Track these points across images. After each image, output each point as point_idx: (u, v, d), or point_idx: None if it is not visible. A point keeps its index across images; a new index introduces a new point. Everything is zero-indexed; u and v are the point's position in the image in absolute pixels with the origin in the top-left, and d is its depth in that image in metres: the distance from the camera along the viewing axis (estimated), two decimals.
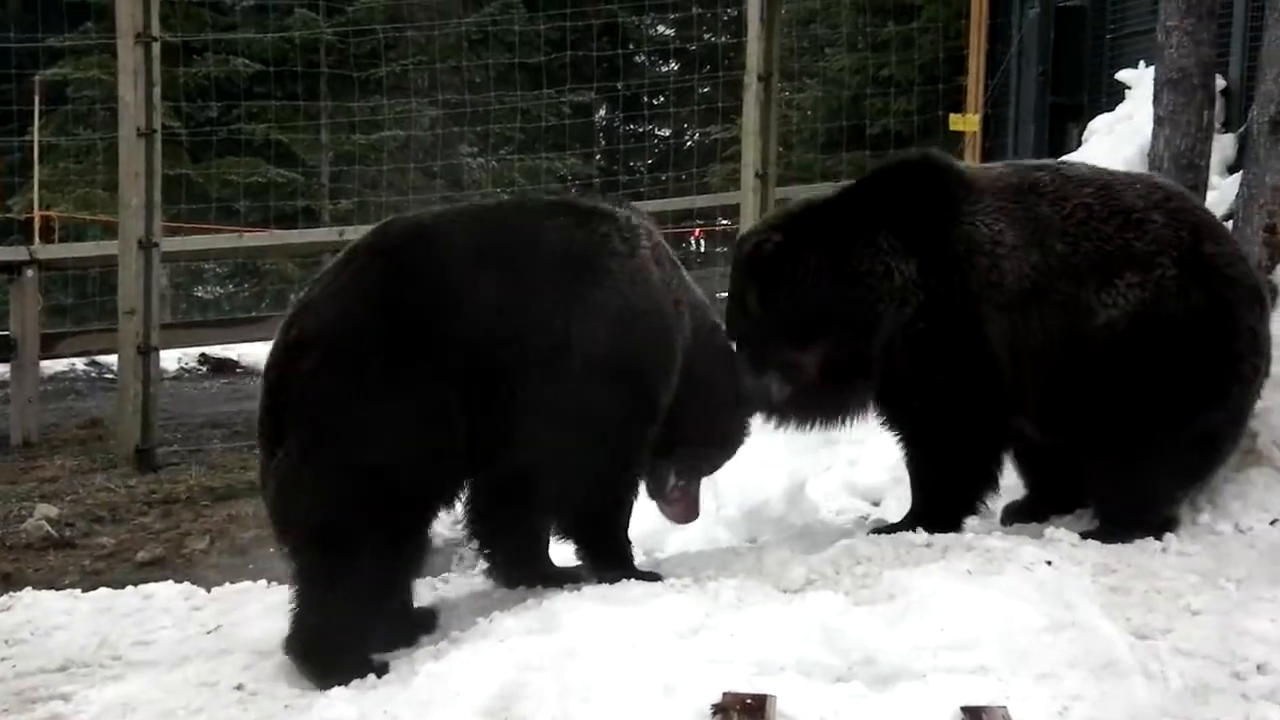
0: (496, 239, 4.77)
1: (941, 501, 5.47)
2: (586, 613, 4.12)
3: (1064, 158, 9.28)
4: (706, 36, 23.11)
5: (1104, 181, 5.41)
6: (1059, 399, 5.24)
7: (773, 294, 5.41)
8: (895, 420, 5.56)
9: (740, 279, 5.48)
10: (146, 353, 9.28)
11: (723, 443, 5.32)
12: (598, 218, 4.93)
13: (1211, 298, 5.15)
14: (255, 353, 15.63)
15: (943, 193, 5.40)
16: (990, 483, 5.53)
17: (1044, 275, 5.21)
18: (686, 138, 26.78)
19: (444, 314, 4.49)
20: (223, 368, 15.76)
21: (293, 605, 4.49)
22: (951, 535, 5.02)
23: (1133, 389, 5.09)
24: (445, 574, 5.74)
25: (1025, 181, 5.41)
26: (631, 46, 25.66)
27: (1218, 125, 7.93)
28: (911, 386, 5.36)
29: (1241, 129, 8.33)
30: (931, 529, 5.10)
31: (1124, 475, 5.18)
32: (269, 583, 5.76)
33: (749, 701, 3.49)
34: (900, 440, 5.57)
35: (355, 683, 4.28)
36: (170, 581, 5.77)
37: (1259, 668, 3.91)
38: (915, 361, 5.31)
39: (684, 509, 5.28)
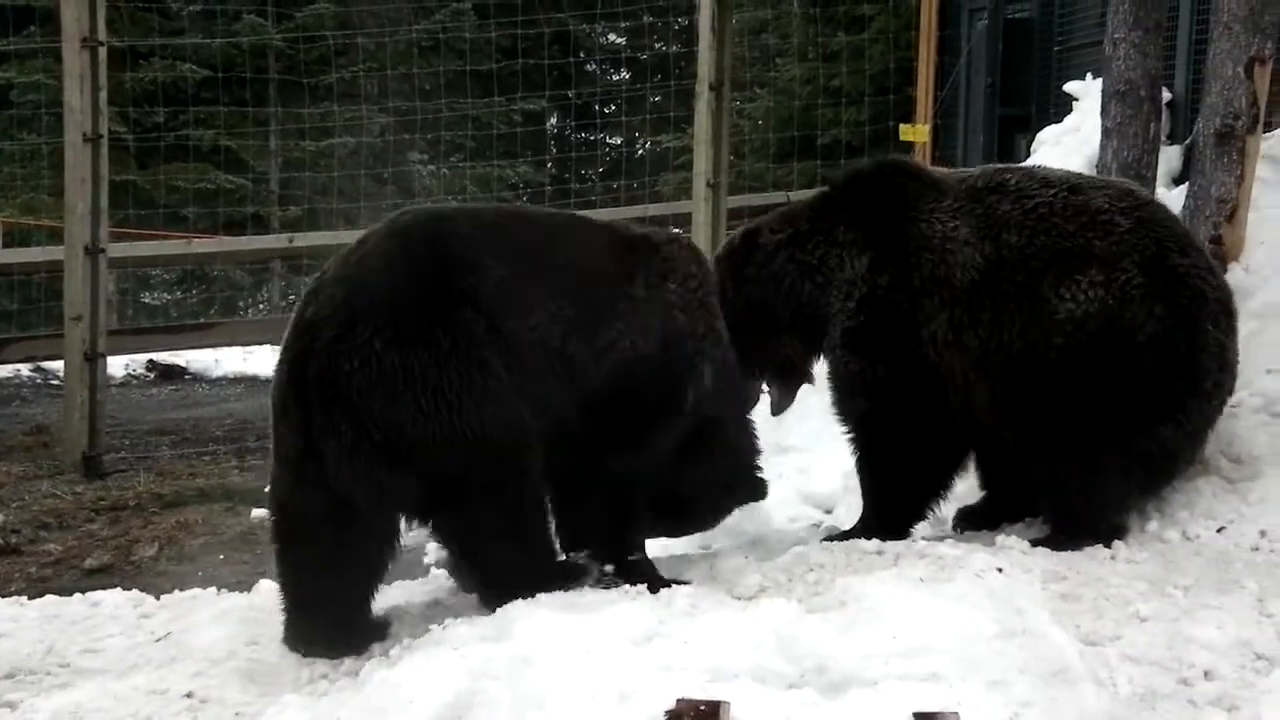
0: (525, 237, 4.83)
1: (889, 508, 5.51)
2: (540, 620, 4.11)
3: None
4: (658, 46, 23.15)
5: (1073, 184, 5.44)
6: (1018, 396, 5.24)
7: (742, 276, 5.60)
8: (844, 420, 5.61)
9: (719, 273, 5.56)
10: (93, 359, 9.23)
11: (700, 509, 5.38)
12: (633, 252, 4.98)
13: (1174, 310, 5.14)
14: (203, 359, 15.55)
15: (901, 193, 5.50)
16: (938, 488, 5.56)
17: (994, 266, 5.25)
18: (638, 146, 26.83)
19: (467, 295, 4.55)
20: (170, 374, 15.62)
21: (475, 566, 4.77)
22: (903, 543, 5.06)
23: (1090, 396, 5.11)
24: (398, 581, 5.70)
25: (991, 182, 5.47)
26: (583, 55, 25.62)
27: (1164, 137, 8.01)
28: (856, 383, 5.42)
29: (1187, 141, 8.41)
30: (879, 537, 5.13)
31: (1075, 482, 5.20)
32: (219, 590, 5.72)
33: (703, 708, 3.49)
34: (850, 444, 5.62)
35: (307, 689, 4.28)
36: (118, 589, 5.72)
37: (1206, 674, 3.96)
38: (857, 355, 5.39)
39: None
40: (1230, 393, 5.43)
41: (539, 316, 4.63)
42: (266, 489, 8.07)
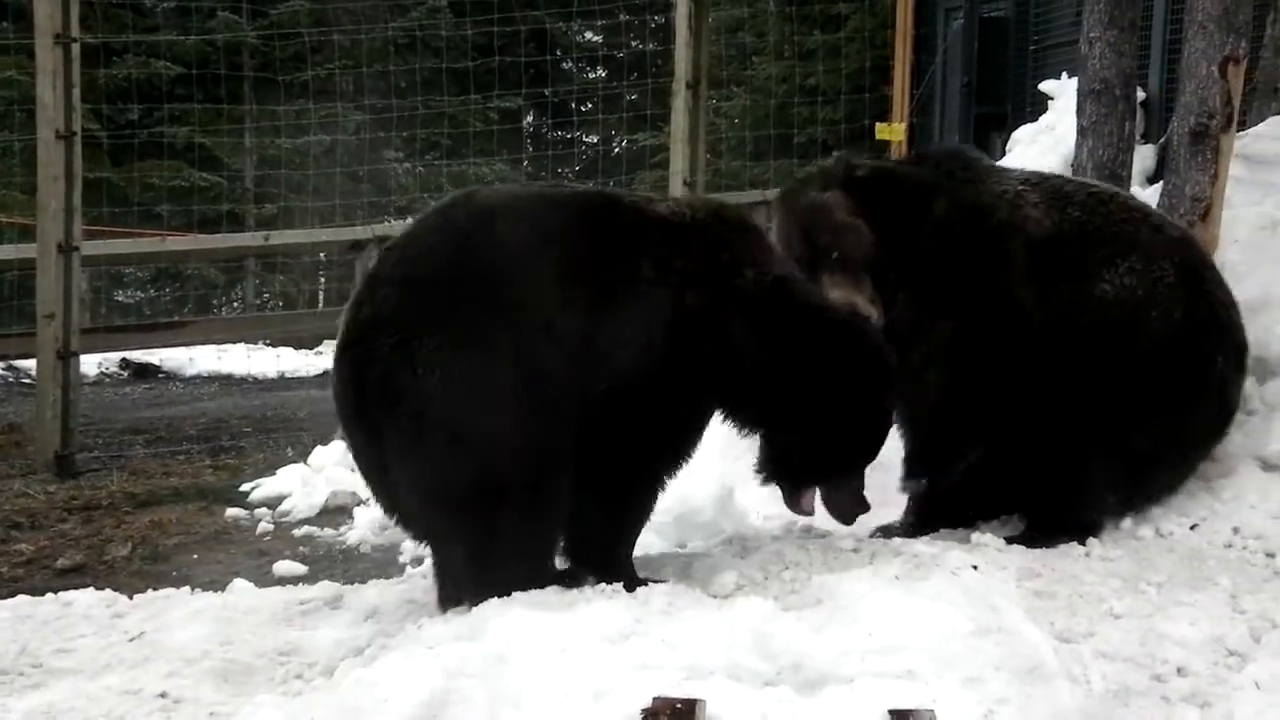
0: (564, 227, 4.74)
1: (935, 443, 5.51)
2: (516, 619, 4.09)
3: None
4: (634, 44, 23.16)
5: (1132, 196, 5.90)
6: (1045, 366, 5.26)
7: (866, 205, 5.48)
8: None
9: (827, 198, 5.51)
10: (66, 357, 9.18)
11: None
12: (652, 233, 4.81)
13: (1192, 321, 5.26)
14: (177, 357, 15.50)
15: (976, 161, 5.76)
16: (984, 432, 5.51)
17: (1058, 237, 5.36)
18: (614, 144, 26.84)
19: (505, 292, 4.52)
20: (144, 373, 15.58)
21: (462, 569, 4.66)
22: (879, 540, 5.07)
23: (1091, 385, 5.18)
24: (373, 580, 5.69)
25: (1053, 174, 5.88)
26: (559, 53, 25.62)
27: (1138, 136, 8.05)
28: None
29: (1161, 140, 8.45)
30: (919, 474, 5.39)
31: (1057, 471, 5.25)
32: (192, 589, 5.69)
33: (679, 706, 3.49)
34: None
35: (281, 689, 4.27)
36: (91, 588, 5.67)
37: (1179, 670, 3.98)
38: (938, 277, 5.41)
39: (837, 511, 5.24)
40: (1224, 430, 5.51)
41: (579, 310, 4.57)
42: (241, 488, 8.16)
